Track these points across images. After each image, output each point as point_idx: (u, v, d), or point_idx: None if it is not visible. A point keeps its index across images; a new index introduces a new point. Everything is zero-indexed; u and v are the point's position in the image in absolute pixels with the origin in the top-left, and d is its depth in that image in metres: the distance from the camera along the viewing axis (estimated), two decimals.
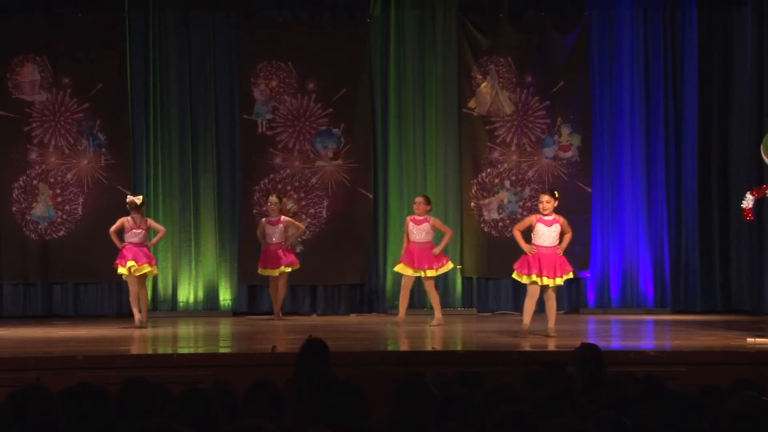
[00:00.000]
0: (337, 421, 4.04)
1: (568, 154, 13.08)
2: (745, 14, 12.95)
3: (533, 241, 9.86)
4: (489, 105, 13.07)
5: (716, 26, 13.09)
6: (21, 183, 12.80)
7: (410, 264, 10.95)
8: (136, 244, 10.95)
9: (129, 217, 11.02)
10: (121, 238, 11.05)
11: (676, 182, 13.04)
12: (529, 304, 9.81)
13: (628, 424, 4.05)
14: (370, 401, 4.46)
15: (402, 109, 13.08)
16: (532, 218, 9.95)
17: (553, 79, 13.02)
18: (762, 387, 5.10)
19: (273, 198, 12.12)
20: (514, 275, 9.95)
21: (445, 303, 12.89)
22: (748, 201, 9.48)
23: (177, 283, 12.91)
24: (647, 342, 10.45)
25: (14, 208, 12.78)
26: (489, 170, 13.07)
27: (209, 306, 12.91)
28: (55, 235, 12.81)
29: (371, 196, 13.01)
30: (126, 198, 11.20)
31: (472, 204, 13.05)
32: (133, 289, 10.99)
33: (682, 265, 13.01)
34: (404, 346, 9.69)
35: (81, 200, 12.79)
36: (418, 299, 12.00)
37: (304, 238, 12.96)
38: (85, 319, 12.12)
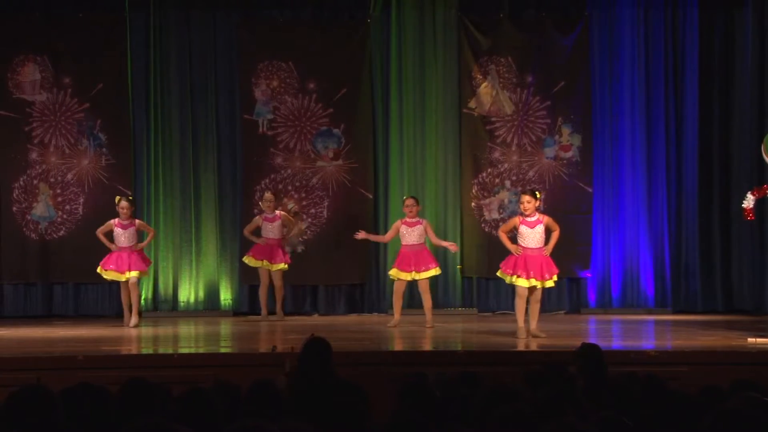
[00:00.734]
0: (337, 421, 4.04)
1: (569, 154, 13.08)
2: (746, 14, 12.94)
3: (519, 243, 9.85)
4: (489, 105, 13.07)
5: (717, 26, 13.08)
6: (21, 183, 12.80)
7: (405, 269, 10.92)
8: (124, 248, 10.95)
9: (117, 219, 11.05)
10: (111, 239, 11.09)
11: (676, 182, 13.04)
12: (520, 305, 9.81)
13: (629, 424, 4.04)
14: (371, 401, 4.45)
15: (402, 109, 13.07)
16: (516, 220, 9.95)
17: (553, 79, 13.02)
18: (762, 387, 5.10)
19: (268, 195, 12.14)
20: (498, 273, 9.97)
21: (445, 303, 12.92)
22: (749, 201, 9.48)
23: (178, 283, 12.91)
24: (648, 342, 10.44)
25: (14, 208, 12.77)
26: (489, 170, 13.06)
27: (210, 306, 12.91)
28: (55, 235, 12.81)
29: (371, 197, 13.01)
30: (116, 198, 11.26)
31: (473, 204, 13.05)
32: (123, 291, 11.11)
33: (682, 265, 13.00)
34: (404, 346, 9.69)
35: (81, 200, 12.79)
36: (417, 300, 11.97)
37: (305, 238, 12.96)
38: (86, 319, 12.12)
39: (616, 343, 10.28)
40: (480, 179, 13.07)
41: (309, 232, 13.00)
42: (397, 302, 11.10)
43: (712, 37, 13.08)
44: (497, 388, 4.60)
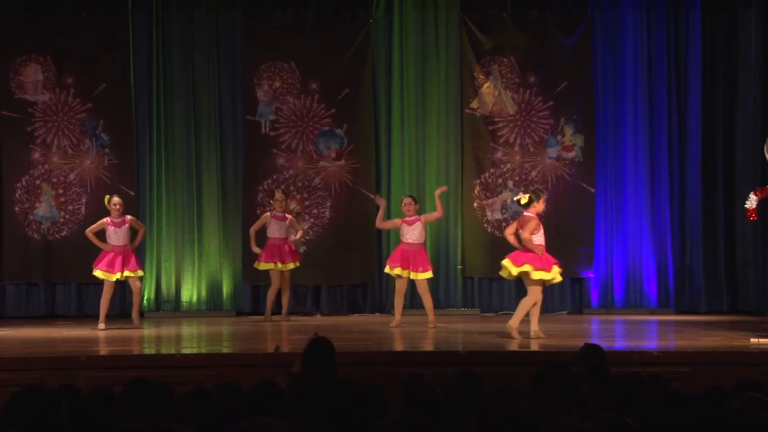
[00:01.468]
0: (341, 421, 4.03)
1: (571, 154, 13.08)
2: (749, 14, 12.93)
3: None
4: (492, 105, 13.07)
5: (720, 26, 13.08)
6: (24, 183, 12.80)
7: (403, 266, 10.92)
8: (118, 247, 10.90)
9: (109, 217, 11.00)
10: (103, 238, 11.02)
11: (679, 182, 13.03)
12: (528, 307, 9.86)
13: (631, 424, 4.04)
14: (375, 401, 4.45)
15: (405, 109, 13.08)
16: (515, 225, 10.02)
17: (556, 80, 13.02)
18: (766, 387, 5.09)
19: (279, 194, 12.14)
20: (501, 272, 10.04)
21: (448, 303, 12.92)
22: (752, 201, 9.47)
23: (180, 283, 12.91)
24: (651, 342, 10.43)
25: (17, 208, 12.77)
26: (492, 170, 13.06)
27: (212, 306, 12.91)
28: (57, 235, 12.81)
29: (374, 197, 13.00)
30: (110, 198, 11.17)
31: (475, 204, 13.04)
32: (106, 292, 10.98)
33: (686, 265, 12.99)
34: (406, 347, 9.69)
35: (84, 200, 12.78)
36: (418, 300, 11.97)
37: (308, 238, 12.96)
38: (88, 319, 12.09)
39: (619, 343, 10.28)
40: (482, 179, 13.06)
41: (311, 232, 13.00)
42: (399, 302, 11.10)
43: (714, 36, 13.07)
44: (499, 389, 4.60)
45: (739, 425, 3.72)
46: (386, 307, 12.71)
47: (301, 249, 12.82)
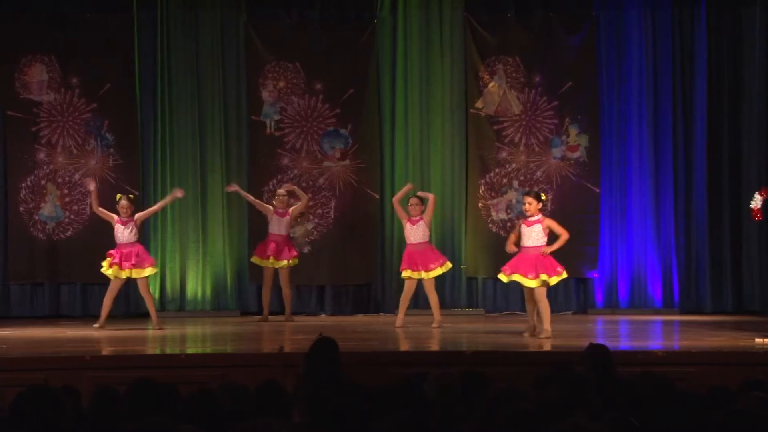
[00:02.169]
0: (345, 421, 4.03)
1: (576, 154, 13.07)
2: (755, 13, 12.91)
3: (521, 244, 9.91)
4: (497, 105, 13.06)
5: (725, 25, 13.06)
6: (29, 183, 12.81)
7: (414, 268, 10.94)
8: (125, 245, 10.89)
9: (118, 216, 10.98)
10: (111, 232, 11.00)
11: (685, 182, 13.01)
12: (531, 308, 9.86)
13: (636, 424, 4.04)
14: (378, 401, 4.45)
15: (409, 109, 13.08)
16: (518, 224, 10.01)
17: (561, 79, 13.01)
18: None
19: (281, 191, 12.13)
20: (500, 276, 10.04)
21: (452, 303, 12.91)
22: (757, 201, 9.46)
23: (185, 283, 12.91)
24: (656, 342, 10.43)
25: (22, 208, 12.78)
26: (497, 170, 13.05)
27: (217, 306, 12.91)
28: (62, 235, 12.82)
29: (378, 197, 13.01)
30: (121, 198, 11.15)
31: (480, 204, 13.04)
32: (112, 291, 10.95)
33: (692, 265, 12.97)
34: (411, 347, 9.69)
35: (89, 201, 12.77)
36: (422, 300, 11.98)
37: (312, 238, 12.97)
38: (93, 320, 12.08)
39: (624, 343, 10.26)
40: (487, 179, 13.06)
41: (316, 232, 13.01)
42: (405, 302, 11.10)
43: (720, 36, 13.05)
44: (504, 389, 4.60)
45: (744, 425, 3.72)
46: (390, 307, 12.69)
47: (306, 249, 12.83)
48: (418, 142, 13.07)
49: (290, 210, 12.02)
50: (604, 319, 12.49)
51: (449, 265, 11.26)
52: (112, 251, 10.93)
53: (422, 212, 11.06)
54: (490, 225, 13.05)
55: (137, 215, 11.08)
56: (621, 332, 11.27)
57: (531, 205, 9.85)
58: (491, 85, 13.05)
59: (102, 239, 12.07)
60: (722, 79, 13.04)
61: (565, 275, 9.97)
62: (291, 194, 12.14)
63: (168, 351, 9.38)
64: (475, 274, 13.03)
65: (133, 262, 10.82)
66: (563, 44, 13.05)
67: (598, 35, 13.07)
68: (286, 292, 12.05)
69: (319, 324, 11.52)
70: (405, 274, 11.01)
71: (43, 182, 12.82)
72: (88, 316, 12.52)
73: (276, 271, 11.93)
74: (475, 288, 13.09)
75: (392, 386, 4.73)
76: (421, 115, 13.06)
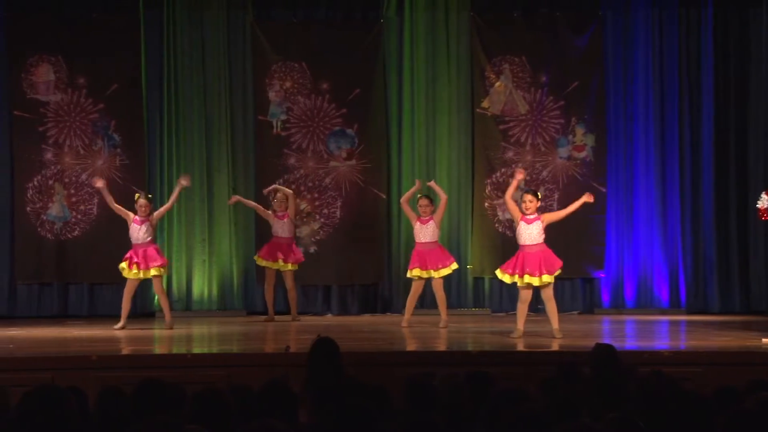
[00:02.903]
0: (350, 421, 4.03)
1: (583, 154, 13.06)
2: (762, 13, 12.89)
3: (518, 242, 9.87)
4: (503, 105, 13.06)
5: (732, 25, 13.04)
6: (36, 183, 12.84)
7: (422, 267, 10.94)
8: (140, 245, 10.89)
9: (134, 215, 10.97)
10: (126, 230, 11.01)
11: (691, 182, 13.00)
12: (522, 309, 9.82)
13: (641, 425, 4.03)
14: (382, 401, 4.45)
15: (415, 109, 13.08)
16: (519, 213, 9.94)
17: (567, 79, 13.00)
18: None
19: (280, 194, 12.13)
20: (497, 273, 9.98)
21: (458, 303, 12.91)
22: (763, 201, 9.43)
23: (191, 282, 12.93)
24: (662, 342, 10.41)
25: (29, 208, 12.81)
26: (503, 170, 13.05)
27: (223, 305, 12.93)
28: (70, 235, 12.85)
29: (384, 197, 13.01)
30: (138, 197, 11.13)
31: (486, 204, 13.03)
32: (129, 291, 10.95)
33: (699, 265, 12.96)
34: (417, 347, 9.68)
35: (96, 200, 12.81)
36: (429, 300, 11.98)
37: (318, 238, 12.97)
38: (101, 319, 12.12)
39: (630, 343, 10.24)
40: (493, 179, 13.05)
41: (322, 232, 13.02)
42: (412, 302, 11.11)
43: (727, 36, 13.04)
44: (511, 389, 4.59)
45: (750, 426, 3.71)
46: (397, 307, 12.70)
47: (312, 249, 12.84)
48: (424, 141, 13.08)
49: (287, 215, 12.01)
50: (611, 319, 12.47)
51: (456, 265, 11.26)
52: (129, 253, 10.90)
53: (432, 212, 11.05)
54: (496, 225, 13.05)
55: (153, 215, 11.09)
56: (627, 332, 11.25)
57: (532, 203, 9.84)
58: (497, 84, 13.05)
59: (109, 239, 12.13)
60: (729, 79, 13.02)
61: (559, 270, 9.89)
62: (274, 194, 12.12)
63: (174, 351, 9.38)
64: (481, 274, 13.03)
65: (146, 262, 10.82)
66: (570, 44, 13.04)
67: (605, 35, 13.06)
68: (292, 294, 12.05)
69: (325, 324, 11.53)
70: (414, 273, 10.99)
71: (50, 182, 12.85)
72: (96, 316, 12.57)
73: (278, 272, 11.93)
74: (482, 288, 13.10)
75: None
76: (427, 114, 13.06)
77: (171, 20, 12.90)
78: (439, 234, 11.24)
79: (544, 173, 13.02)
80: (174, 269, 12.86)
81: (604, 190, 12.97)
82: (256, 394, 4.78)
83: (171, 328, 10.86)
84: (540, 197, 10.17)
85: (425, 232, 11.02)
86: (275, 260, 11.85)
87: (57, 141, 12.87)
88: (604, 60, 13.05)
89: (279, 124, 13.04)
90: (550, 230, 9.96)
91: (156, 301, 12.39)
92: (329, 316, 12.86)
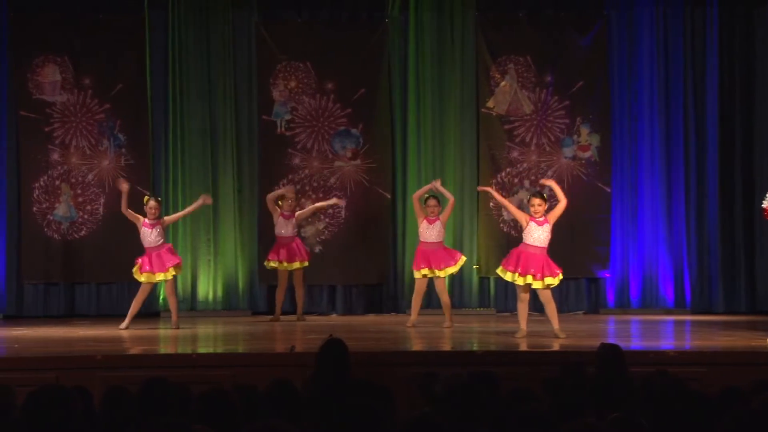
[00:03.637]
0: (355, 421, 4.04)
1: (587, 154, 13.05)
2: (766, 12, 12.87)
3: (525, 241, 9.86)
4: (508, 104, 13.05)
5: (737, 25, 13.02)
6: (42, 183, 12.86)
7: (426, 266, 10.94)
8: (153, 248, 10.88)
9: (145, 218, 10.96)
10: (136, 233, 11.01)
11: (696, 181, 12.98)
12: (522, 309, 9.82)
13: (645, 424, 4.03)
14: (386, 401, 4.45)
15: (420, 108, 13.08)
16: (525, 216, 9.95)
17: (572, 79, 12.99)
18: None
19: (289, 193, 12.13)
20: (499, 271, 9.97)
21: (463, 303, 12.91)
22: None
23: (196, 282, 12.95)
24: (667, 342, 10.40)
25: (35, 209, 12.83)
26: (508, 170, 13.04)
27: (228, 306, 12.94)
28: (77, 235, 12.86)
29: (389, 197, 13.02)
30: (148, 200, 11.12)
31: (491, 204, 13.02)
32: (142, 293, 10.95)
33: (703, 265, 12.94)
34: (422, 347, 9.69)
35: (102, 200, 12.83)
36: (434, 300, 11.97)
37: (323, 238, 12.98)
38: (108, 319, 12.12)
39: (635, 343, 10.25)
40: (499, 179, 13.05)
41: (327, 232, 13.02)
42: (417, 301, 11.11)
43: (732, 35, 13.02)
44: (516, 389, 4.60)
45: (756, 426, 3.71)
46: (402, 307, 12.70)
47: (317, 249, 12.84)
48: (430, 141, 13.07)
49: (296, 214, 12.01)
50: (616, 318, 12.47)
51: (464, 258, 11.24)
52: (141, 258, 10.90)
53: (440, 213, 11.05)
54: (501, 225, 13.04)
55: (164, 219, 11.11)
56: (632, 332, 11.25)
57: (540, 206, 9.85)
58: (502, 84, 13.04)
59: (116, 239, 12.16)
60: (734, 78, 13.00)
61: (560, 277, 9.90)
62: (281, 198, 12.12)
63: (179, 351, 9.39)
64: (486, 273, 13.02)
65: (162, 265, 10.80)
66: (574, 44, 13.03)
67: (610, 34, 13.05)
68: (299, 292, 12.06)
69: (330, 324, 11.54)
70: (422, 273, 10.96)
71: (57, 182, 12.87)
72: (103, 315, 12.57)
73: (290, 272, 11.95)
74: (487, 288, 13.09)
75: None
76: (432, 114, 13.06)
77: (176, 20, 12.92)
78: (445, 235, 11.23)
79: (549, 173, 12.99)
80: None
81: (609, 189, 12.96)
82: (261, 394, 4.78)
83: (177, 329, 10.86)
84: (546, 198, 10.16)
85: (431, 232, 11.02)
86: (281, 261, 11.84)
87: (63, 141, 12.89)
88: (609, 60, 13.05)
89: (283, 123, 13.04)
90: (554, 230, 9.95)
91: (162, 300, 12.42)
92: (334, 316, 12.86)
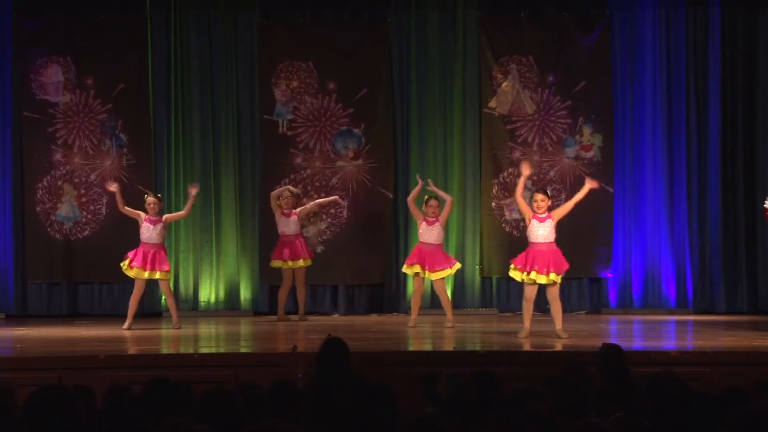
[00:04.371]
0: (356, 421, 4.04)
1: (590, 154, 13.05)
2: None
3: (530, 240, 9.87)
4: (510, 104, 13.05)
5: (740, 25, 13.02)
6: (45, 183, 12.87)
7: (421, 265, 10.93)
8: (150, 245, 10.88)
9: (146, 214, 10.95)
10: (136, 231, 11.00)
11: (698, 182, 12.98)
12: (527, 307, 9.82)
13: (647, 424, 4.03)
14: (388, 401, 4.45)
15: (422, 108, 13.08)
16: (529, 212, 9.94)
17: (574, 79, 12.99)
18: None
19: (286, 192, 12.14)
20: (510, 271, 9.96)
21: (465, 303, 12.91)
22: None
23: (198, 282, 12.95)
24: (669, 342, 10.40)
25: (38, 209, 12.84)
26: (510, 170, 13.04)
27: (230, 306, 12.95)
28: (80, 235, 12.88)
29: (392, 196, 13.02)
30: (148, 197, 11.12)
31: (493, 204, 13.03)
32: (137, 290, 10.95)
33: (705, 264, 12.94)
34: (424, 346, 9.69)
35: (105, 200, 12.84)
36: (436, 300, 11.97)
37: (325, 238, 12.98)
38: (110, 319, 12.12)
39: (637, 343, 10.24)
40: (501, 179, 13.05)
41: (329, 232, 13.02)
42: (417, 301, 11.11)
43: (734, 36, 13.01)
44: (519, 389, 4.60)
45: (758, 426, 3.71)
46: (404, 307, 12.70)
47: (319, 249, 12.84)
48: (432, 141, 13.07)
49: (297, 210, 12.02)
50: (618, 318, 12.47)
51: (458, 265, 11.23)
52: (131, 252, 10.91)
53: (439, 214, 11.05)
54: (503, 225, 13.04)
55: (165, 217, 11.10)
56: (634, 332, 11.24)
57: (543, 202, 9.87)
58: (505, 84, 13.04)
59: (120, 239, 12.13)
60: (736, 79, 12.99)
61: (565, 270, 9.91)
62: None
63: (182, 351, 9.39)
64: (488, 273, 13.02)
65: (154, 264, 10.80)
66: (577, 44, 13.03)
67: (612, 35, 13.05)
68: (301, 291, 12.06)
69: (332, 324, 11.54)
70: (414, 269, 10.93)
71: (59, 183, 12.88)
72: (106, 315, 12.58)
73: (293, 271, 11.95)
74: (489, 288, 13.09)
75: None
76: (434, 114, 13.06)
77: (178, 20, 12.92)
78: (443, 236, 11.22)
79: (552, 173, 13.01)
80: (181, 269, 12.88)
81: (611, 189, 12.96)
82: (263, 393, 4.79)
83: (178, 328, 10.87)
84: (550, 195, 10.16)
85: (430, 233, 11.01)
86: (294, 259, 11.85)
87: (66, 141, 12.90)
88: (611, 60, 13.04)
89: (285, 123, 13.05)
90: (557, 229, 9.94)
91: (163, 301, 12.41)
92: (336, 315, 12.86)
